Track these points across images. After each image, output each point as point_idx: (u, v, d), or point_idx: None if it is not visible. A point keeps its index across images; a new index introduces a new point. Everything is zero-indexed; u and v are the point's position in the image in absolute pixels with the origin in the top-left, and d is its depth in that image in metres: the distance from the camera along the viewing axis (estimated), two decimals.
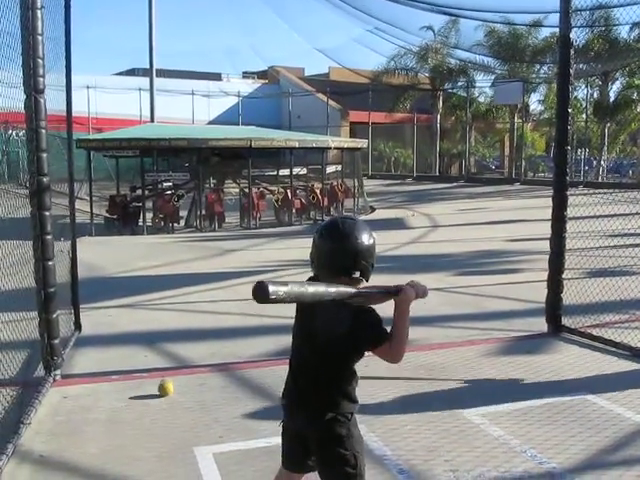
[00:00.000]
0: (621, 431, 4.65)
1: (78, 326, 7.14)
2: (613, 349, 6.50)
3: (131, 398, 5.37)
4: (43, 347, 5.53)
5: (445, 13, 24.47)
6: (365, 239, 2.83)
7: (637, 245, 11.65)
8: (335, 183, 21.90)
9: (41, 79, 5.27)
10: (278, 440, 4.47)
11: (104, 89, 37.26)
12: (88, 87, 36.54)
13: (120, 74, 47.43)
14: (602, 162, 35.59)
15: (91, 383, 5.75)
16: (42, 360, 5.60)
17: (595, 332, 6.87)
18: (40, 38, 5.25)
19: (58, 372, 5.70)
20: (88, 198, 18.16)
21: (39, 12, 5.23)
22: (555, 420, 4.85)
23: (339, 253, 2.82)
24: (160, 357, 6.68)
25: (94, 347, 6.92)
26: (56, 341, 5.60)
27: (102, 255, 13.38)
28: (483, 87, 40.86)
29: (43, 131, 5.33)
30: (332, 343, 2.83)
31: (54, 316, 5.53)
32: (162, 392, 5.43)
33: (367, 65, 41.08)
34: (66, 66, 6.75)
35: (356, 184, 22.97)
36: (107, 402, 5.29)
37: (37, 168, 5.31)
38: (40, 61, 5.26)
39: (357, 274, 2.82)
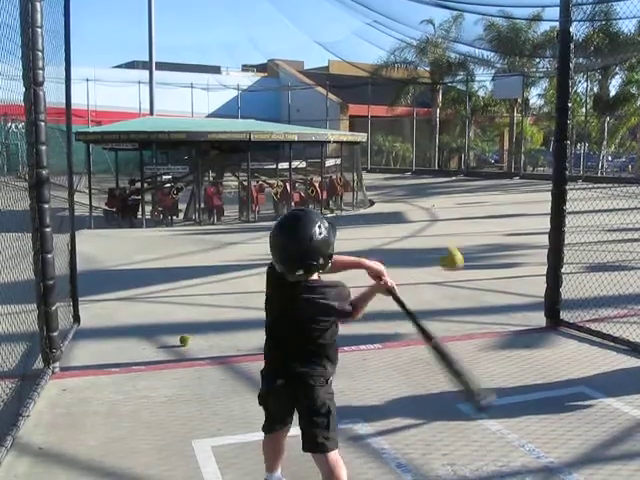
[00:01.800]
0: (619, 426, 4.66)
1: (77, 319, 7.14)
2: (612, 344, 6.50)
3: (130, 391, 5.38)
4: (42, 339, 5.53)
5: (444, 7, 24.42)
6: (309, 234, 2.88)
7: (636, 240, 11.68)
8: (334, 177, 21.91)
9: (40, 72, 5.26)
10: None
11: (104, 82, 37.23)
12: (88, 80, 36.51)
13: (120, 67, 47.41)
14: (601, 156, 35.60)
15: (90, 375, 5.76)
16: (41, 352, 5.61)
17: (594, 326, 6.87)
18: (39, 31, 5.23)
19: (57, 364, 5.71)
20: (87, 191, 18.17)
21: (38, 4, 5.22)
22: (553, 414, 4.86)
23: (281, 249, 2.90)
24: (158, 350, 6.69)
25: (93, 339, 6.93)
26: (55, 333, 5.60)
27: (101, 248, 13.38)
28: (483, 81, 40.86)
29: (42, 124, 5.32)
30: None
31: (53, 308, 5.53)
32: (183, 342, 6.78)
33: (367, 59, 41.06)
34: (65, 59, 6.73)
35: (355, 178, 22.97)
36: (106, 395, 5.30)
37: (36, 161, 5.30)
38: (39, 54, 5.24)
39: (300, 272, 2.86)
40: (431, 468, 4.02)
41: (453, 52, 38.94)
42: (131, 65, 46.35)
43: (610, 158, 37.80)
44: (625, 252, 10.51)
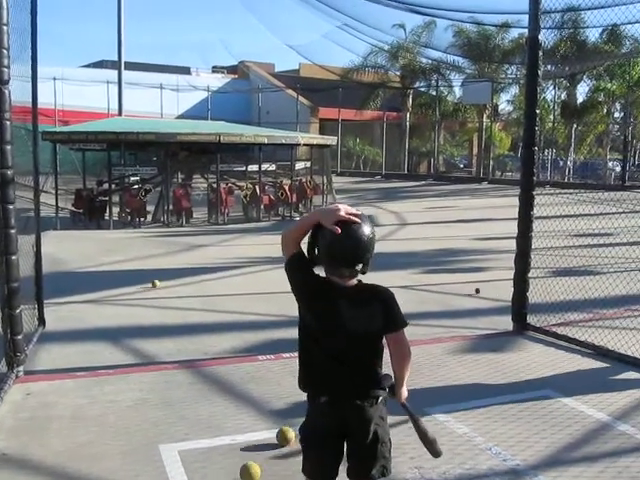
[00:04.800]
0: (583, 428, 4.71)
1: (42, 321, 7.03)
2: (577, 347, 6.58)
3: (96, 395, 5.31)
4: (6, 343, 5.44)
5: (415, 12, 24.52)
6: (368, 232, 2.84)
7: (601, 245, 11.84)
8: (304, 180, 21.90)
9: (6, 70, 5.19)
10: (243, 438, 4.48)
11: (71, 81, 36.82)
12: (55, 79, 36.09)
13: (88, 66, 46.97)
14: (568, 162, 36.04)
15: (55, 380, 5.68)
16: (5, 356, 5.51)
17: (560, 330, 6.95)
18: (5, 28, 5.16)
19: (21, 368, 5.61)
20: (53, 191, 17.94)
21: (4, 1, 5.15)
22: (519, 418, 4.90)
23: (343, 245, 2.80)
24: (125, 353, 6.62)
25: (58, 343, 6.83)
26: (19, 337, 5.51)
27: (67, 250, 13.22)
28: (453, 86, 41.12)
29: (7, 123, 5.24)
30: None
31: (17, 311, 5.45)
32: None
33: (338, 62, 41.16)
34: (32, 57, 6.63)
35: (325, 181, 22.99)
36: (71, 399, 5.23)
37: (1, 160, 5.23)
38: (4, 51, 5.17)
39: (360, 267, 2.83)
40: (399, 471, 4.02)
41: (424, 57, 39.20)
42: (99, 64, 45.92)
43: (577, 163, 38.29)
44: (591, 257, 10.64)
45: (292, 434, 4.44)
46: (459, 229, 16.85)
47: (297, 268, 2.94)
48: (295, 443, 4.40)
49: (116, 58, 32.18)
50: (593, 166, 37.43)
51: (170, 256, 12.96)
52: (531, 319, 7.21)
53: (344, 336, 2.86)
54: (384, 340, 2.94)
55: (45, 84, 25.73)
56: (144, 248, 13.87)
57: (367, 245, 2.83)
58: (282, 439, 4.47)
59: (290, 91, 43.07)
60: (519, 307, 7.22)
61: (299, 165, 22.64)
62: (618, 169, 35.49)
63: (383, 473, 2.99)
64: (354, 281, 2.91)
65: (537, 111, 7.12)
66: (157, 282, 9.67)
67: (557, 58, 31.25)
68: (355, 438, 2.94)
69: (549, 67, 30.35)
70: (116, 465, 4.13)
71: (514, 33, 35.40)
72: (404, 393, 3.01)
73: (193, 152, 20.11)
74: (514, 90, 39.47)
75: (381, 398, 2.95)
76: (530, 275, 7.18)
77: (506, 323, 7.34)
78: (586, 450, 4.41)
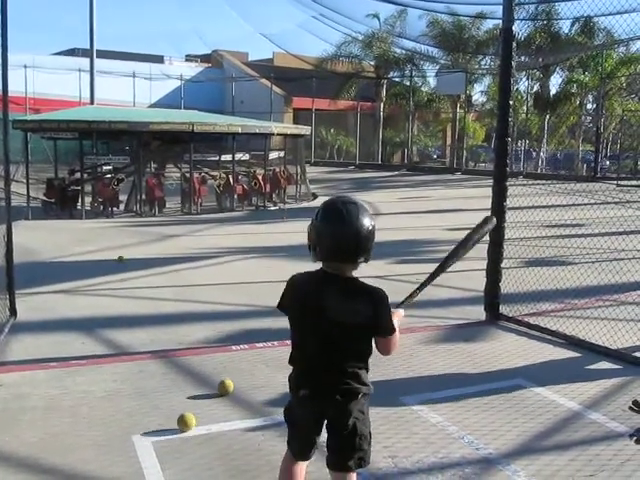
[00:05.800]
0: (555, 417, 4.77)
1: (13, 312, 6.97)
2: (549, 337, 6.65)
3: (69, 386, 5.28)
4: None
5: (389, 1, 24.50)
6: (368, 223, 2.84)
7: (573, 236, 11.96)
8: (277, 169, 21.86)
9: None
10: (217, 428, 4.48)
11: (43, 69, 36.34)
12: (26, 66, 35.61)
13: (60, 54, 46.29)
14: (542, 154, 36.32)
15: (27, 370, 5.62)
16: None
17: (532, 320, 7.02)
18: None
19: None
20: (25, 181, 17.75)
21: None
22: (492, 407, 4.95)
23: (344, 238, 2.81)
24: (98, 344, 6.57)
25: (30, 333, 6.77)
26: None
27: (39, 240, 13.09)
28: (427, 77, 41.17)
29: None
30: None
31: None
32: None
33: (312, 52, 41.00)
34: (2, 44, 6.54)
35: (299, 171, 22.96)
36: (44, 390, 5.19)
37: None
38: None
39: (362, 259, 2.88)
40: (373, 460, 4.01)
41: (398, 47, 39.19)
42: (72, 52, 45.31)
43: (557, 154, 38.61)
44: (563, 247, 10.74)
45: (231, 384, 5.01)
46: (432, 219, 16.92)
47: (285, 308, 3.05)
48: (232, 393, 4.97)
49: (88, 46, 31.81)
50: (568, 156, 37.69)
51: (143, 246, 12.88)
52: (503, 309, 7.27)
53: (330, 332, 2.88)
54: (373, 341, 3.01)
55: (16, 71, 25.32)
56: (116, 238, 13.77)
57: (350, 242, 2.83)
58: (222, 389, 4.99)
59: (264, 80, 42.85)
60: (492, 297, 7.28)
61: (273, 155, 22.59)
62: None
63: (360, 465, 3.07)
64: (351, 275, 2.94)
65: (510, 102, 7.16)
66: (123, 257, 10.49)
67: (531, 49, 31.45)
68: (334, 430, 2.98)
69: (523, 58, 30.53)
70: (90, 456, 4.10)
71: (489, 24, 35.57)
72: (400, 314, 3.21)
73: (166, 141, 19.98)
74: (488, 81, 39.68)
75: (362, 394, 2.97)
76: (503, 265, 7.23)
77: (478, 313, 7.40)
78: (557, 439, 4.46)
